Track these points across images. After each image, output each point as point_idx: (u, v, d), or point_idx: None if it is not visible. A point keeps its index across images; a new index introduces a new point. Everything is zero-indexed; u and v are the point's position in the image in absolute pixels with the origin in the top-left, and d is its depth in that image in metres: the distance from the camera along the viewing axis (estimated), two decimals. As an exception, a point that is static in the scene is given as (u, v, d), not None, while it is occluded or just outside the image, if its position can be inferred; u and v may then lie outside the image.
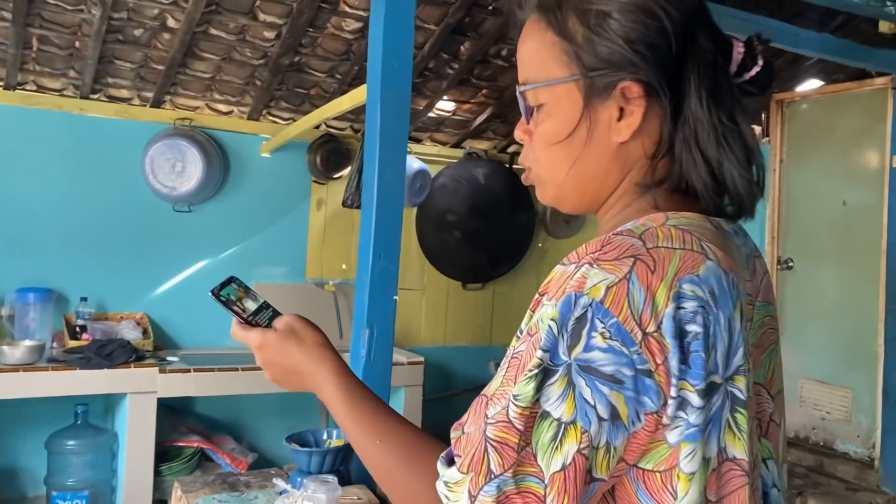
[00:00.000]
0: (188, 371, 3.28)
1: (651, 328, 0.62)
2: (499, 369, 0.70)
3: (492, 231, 4.43)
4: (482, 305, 4.58)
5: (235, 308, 0.91)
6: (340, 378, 0.85)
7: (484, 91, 3.97)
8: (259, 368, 0.90)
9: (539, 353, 0.64)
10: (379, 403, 0.83)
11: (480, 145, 4.49)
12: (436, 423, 4.24)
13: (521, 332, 0.70)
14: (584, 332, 0.62)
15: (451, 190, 4.36)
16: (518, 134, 0.82)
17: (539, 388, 0.63)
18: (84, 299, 3.48)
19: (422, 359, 3.79)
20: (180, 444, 3.42)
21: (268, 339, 0.88)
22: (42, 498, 3.24)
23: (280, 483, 2.30)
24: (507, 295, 4.64)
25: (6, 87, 3.41)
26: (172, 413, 3.46)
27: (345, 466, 2.38)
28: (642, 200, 0.76)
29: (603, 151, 0.76)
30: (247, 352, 3.53)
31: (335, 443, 2.49)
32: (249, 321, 0.91)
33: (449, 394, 4.41)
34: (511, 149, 4.57)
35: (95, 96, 3.59)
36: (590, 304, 0.63)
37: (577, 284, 0.64)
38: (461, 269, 4.45)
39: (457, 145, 4.45)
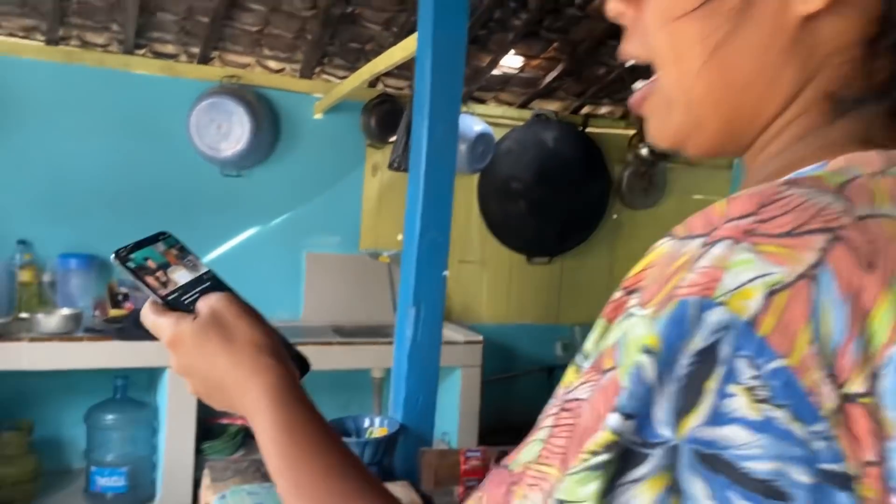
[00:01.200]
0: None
1: (858, 387, 0.31)
2: (539, 421, 0.41)
3: (561, 201, 4.08)
4: (549, 281, 4.25)
5: (149, 280, 0.64)
6: (277, 405, 0.57)
7: (555, 45, 3.59)
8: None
9: (614, 417, 0.34)
10: (330, 454, 0.55)
11: (550, 106, 4.13)
12: (496, 408, 3.98)
13: (585, 360, 0.40)
14: (714, 383, 0.32)
15: (517, 155, 4.02)
16: (614, 6, 0.48)
17: (608, 492, 0.33)
18: (128, 266, 3.32)
19: (480, 337, 3.51)
20: (224, 421, 3.24)
21: (182, 331, 0.60)
22: (84, 470, 3.12)
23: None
24: (576, 271, 4.30)
25: (48, 42, 3.25)
26: (217, 388, 3.28)
27: (388, 459, 2.13)
28: (838, 127, 0.42)
29: (770, 32, 0.42)
30: (299, 325, 3.28)
31: (378, 432, 2.24)
32: (169, 301, 0.63)
33: (511, 375, 4.13)
34: (584, 110, 4.19)
35: (140, 52, 3.39)
36: (728, 326, 0.32)
37: (705, 282, 0.33)
38: (526, 241, 4.12)
39: (524, 106, 4.09)
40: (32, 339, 2.82)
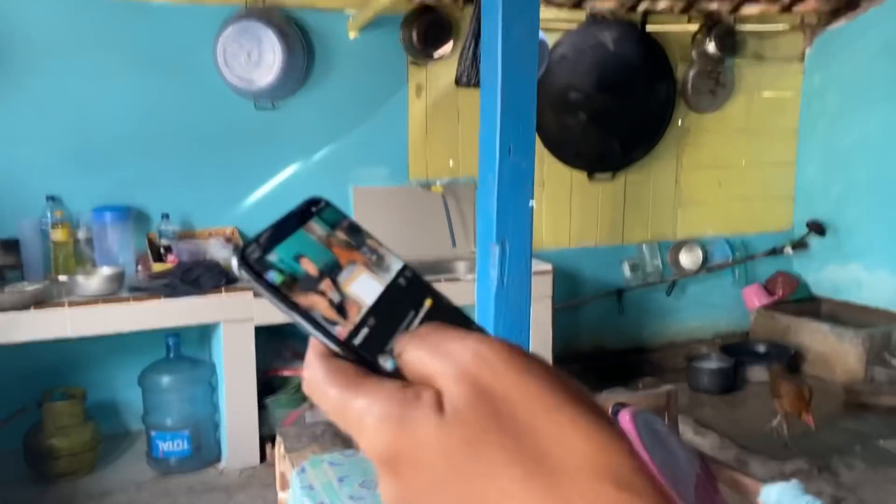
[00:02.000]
0: (285, 293, 2.86)
1: None
2: None
3: (623, 109, 3.73)
4: (612, 199, 3.93)
5: (311, 303, 0.38)
6: None
7: (613, -67, 3.19)
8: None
9: None
10: None
11: (605, 4, 3.72)
12: (563, 337, 3.76)
13: None
14: None
15: (573, 62, 3.65)
16: None
17: None
18: (166, 216, 3.08)
19: (549, 267, 3.23)
20: (285, 373, 3.05)
21: (416, 434, 0.30)
22: (144, 432, 2.96)
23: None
24: (641, 185, 3.97)
25: (53, -25, 2.93)
26: (274, 338, 3.08)
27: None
28: None
29: None
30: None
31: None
32: (357, 347, 0.37)
33: (578, 301, 3.87)
34: (641, 6, 3.78)
35: (154, -22, 3.06)
36: None
37: None
38: (587, 157, 3.79)
39: (577, 6, 3.70)
40: (73, 304, 2.61)
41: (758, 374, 3.69)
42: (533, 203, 1.89)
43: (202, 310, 2.76)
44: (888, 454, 2.99)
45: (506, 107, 1.80)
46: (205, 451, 2.89)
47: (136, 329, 2.71)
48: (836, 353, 3.75)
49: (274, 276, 0.38)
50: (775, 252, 4.23)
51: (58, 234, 2.92)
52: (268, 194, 3.32)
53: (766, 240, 4.27)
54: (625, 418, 1.75)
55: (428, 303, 0.41)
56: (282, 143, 3.30)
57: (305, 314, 0.38)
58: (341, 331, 0.37)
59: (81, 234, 2.99)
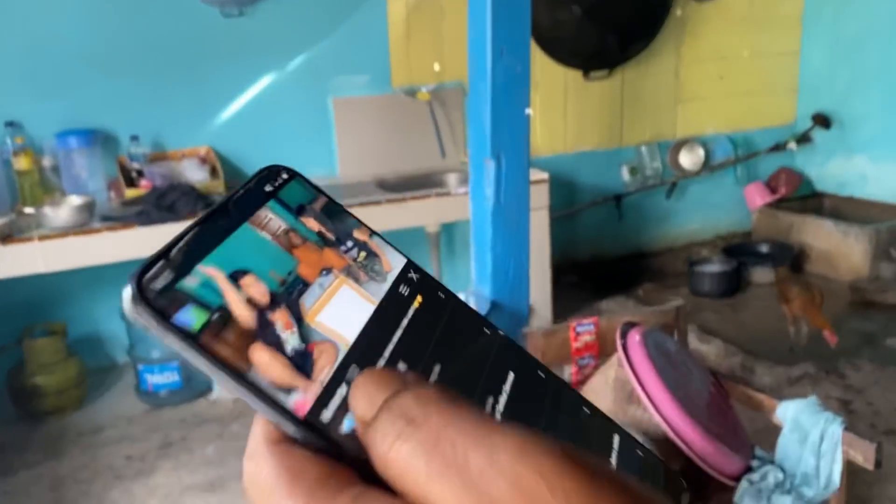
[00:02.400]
0: (268, 216, 2.70)
1: None
2: None
3: (619, 0, 3.47)
4: (609, 98, 3.73)
5: (251, 367, 0.24)
6: None
7: None
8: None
9: None
10: None
11: None
12: (560, 246, 3.62)
13: None
14: None
15: (564, -49, 3.38)
16: None
17: None
18: (135, 138, 2.88)
19: (545, 175, 3.07)
20: (273, 298, 2.93)
21: None
22: (131, 365, 2.86)
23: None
24: (638, 83, 3.76)
25: None
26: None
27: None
28: None
29: None
30: (338, 182, 2.80)
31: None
32: (329, 432, 0.24)
33: (575, 209, 3.73)
34: None
35: None
36: None
37: None
38: (582, 54, 3.56)
39: None
40: (43, 237, 2.46)
41: (761, 275, 3.59)
42: (529, 111, 1.71)
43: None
44: (895, 353, 2.93)
45: (497, 2, 1.60)
46: (195, 381, 2.80)
47: (111, 261, 2.57)
48: (840, 250, 3.65)
49: (189, 317, 0.23)
50: (778, 148, 4.06)
51: (21, 163, 2.73)
52: (242, 110, 3.11)
53: (769, 135, 4.09)
54: (634, 339, 1.64)
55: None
56: (253, 53, 3.07)
57: (242, 379, 0.23)
58: (301, 401, 0.24)
59: (46, 162, 2.80)
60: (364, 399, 0.23)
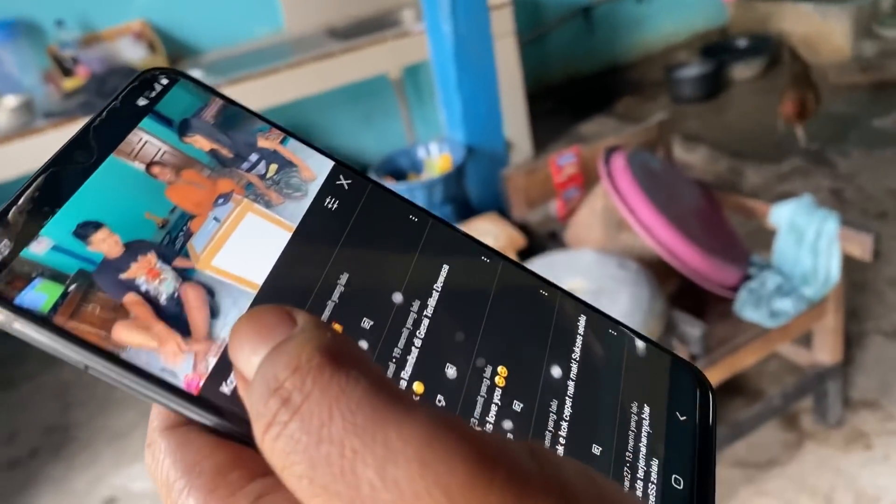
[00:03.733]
0: (218, 86, 2.54)
1: None
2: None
3: None
4: None
5: (120, 343, 0.19)
6: None
7: None
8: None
9: None
10: None
11: None
12: (534, 72, 3.45)
13: None
14: None
15: None
16: None
17: None
18: (61, 23, 2.65)
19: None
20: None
21: None
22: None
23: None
24: None
25: None
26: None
27: (460, 191, 1.71)
28: None
29: None
30: (286, 39, 2.62)
31: (438, 161, 1.79)
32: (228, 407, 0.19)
33: (543, 30, 3.53)
34: None
35: None
36: None
37: None
38: None
39: None
40: (-15, 146, 2.31)
41: (741, 72, 3.47)
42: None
43: (132, 124, 2.47)
44: (882, 134, 2.87)
45: None
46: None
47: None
48: (820, 33, 3.50)
49: (36, 296, 0.19)
50: (749, -69, 3.80)
51: (-57, 69, 2.53)
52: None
53: (739, -82, 3.81)
54: (618, 164, 1.57)
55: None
56: None
57: (116, 362, 0.19)
58: (192, 375, 0.19)
59: (-30, 63, 2.60)
60: (242, 352, 0.17)
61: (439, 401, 0.20)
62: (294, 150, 0.24)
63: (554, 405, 0.22)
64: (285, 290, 0.21)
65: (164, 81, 0.23)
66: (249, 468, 0.18)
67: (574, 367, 0.23)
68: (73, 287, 0.19)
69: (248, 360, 0.17)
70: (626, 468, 0.22)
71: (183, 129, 0.23)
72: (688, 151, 2.95)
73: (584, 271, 1.37)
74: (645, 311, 1.27)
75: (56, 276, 0.19)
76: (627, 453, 0.22)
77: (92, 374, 0.19)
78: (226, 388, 0.19)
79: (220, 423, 0.19)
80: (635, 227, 1.45)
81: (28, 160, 2.37)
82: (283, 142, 0.24)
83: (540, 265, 1.41)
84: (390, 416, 0.15)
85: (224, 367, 0.19)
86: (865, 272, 2.06)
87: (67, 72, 2.64)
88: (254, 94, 2.53)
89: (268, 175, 0.23)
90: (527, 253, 1.52)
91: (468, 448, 0.14)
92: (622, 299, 1.29)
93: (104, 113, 0.22)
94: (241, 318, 0.17)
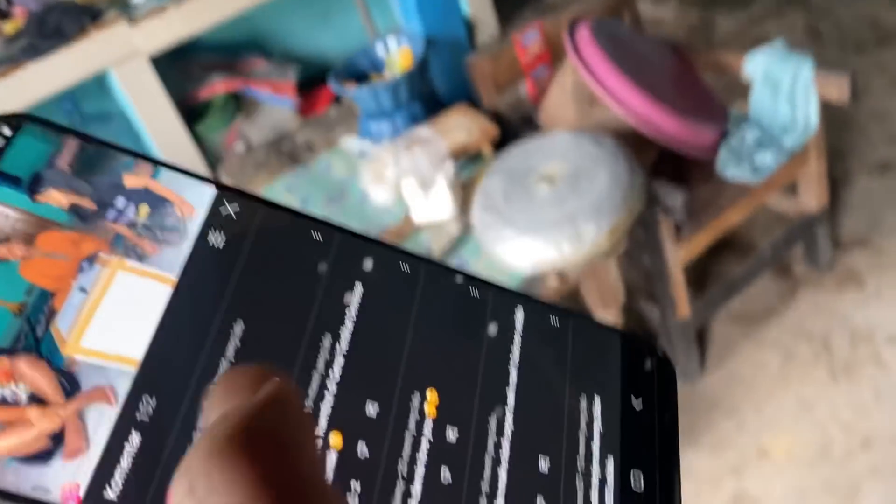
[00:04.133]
0: (164, 9, 2.42)
1: None
2: None
3: None
4: None
5: None
6: None
7: None
8: None
9: None
10: None
11: None
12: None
13: None
14: None
15: None
16: None
17: None
18: (-16, -38, 2.50)
19: None
20: (204, 95, 2.73)
21: None
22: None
23: (351, 143, 1.65)
24: None
25: None
26: (177, 61, 2.70)
27: (425, 87, 1.66)
28: None
29: None
30: None
31: (400, 56, 1.72)
32: None
33: None
34: None
35: None
36: None
37: None
38: None
39: None
40: (-65, 106, 2.23)
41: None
42: None
43: (79, 62, 2.37)
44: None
45: None
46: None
47: (23, 107, 2.35)
48: None
49: None
50: None
51: None
52: None
53: None
54: (583, 36, 1.51)
55: None
56: None
57: None
58: (68, 485, 0.17)
59: None
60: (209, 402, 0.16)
61: (360, 452, 0.19)
62: (168, 182, 0.21)
63: (493, 423, 0.20)
64: (168, 360, 0.18)
65: (6, 132, 0.20)
66: None
67: (513, 374, 0.21)
68: None
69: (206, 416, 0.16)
70: (577, 477, 0.20)
71: (33, 186, 0.19)
72: (657, 6, 2.85)
73: (560, 154, 1.34)
74: (625, 187, 1.26)
75: None
76: (578, 459, 0.21)
77: None
78: (111, 494, 0.17)
79: None
80: (605, 100, 1.41)
81: (-18, 115, 2.29)
82: (153, 175, 0.21)
83: (516, 154, 1.38)
84: None
85: (108, 469, 0.17)
86: (846, 109, 2.03)
87: (4, 14, 2.51)
88: (205, 8, 2.42)
89: (139, 220, 0.20)
90: (501, 143, 1.49)
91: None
92: (601, 178, 1.27)
93: None
94: (226, 372, 0.17)
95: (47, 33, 2.33)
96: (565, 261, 1.24)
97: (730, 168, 1.44)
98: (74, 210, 0.19)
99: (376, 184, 1.43)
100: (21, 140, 0.19)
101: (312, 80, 2.51)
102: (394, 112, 1.56)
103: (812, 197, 1.57)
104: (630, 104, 1.41)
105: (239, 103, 2.73)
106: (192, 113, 2.69)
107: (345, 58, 1.66)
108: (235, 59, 2.87)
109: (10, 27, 2.48)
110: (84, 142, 0.20)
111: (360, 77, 1.64)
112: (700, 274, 1.70)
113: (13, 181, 0.19)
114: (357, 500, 0.18)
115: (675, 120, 1.41)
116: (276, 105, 2.61)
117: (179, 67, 2.69)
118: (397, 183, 1.39)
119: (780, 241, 1.59)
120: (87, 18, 2.36)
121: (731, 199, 1.42)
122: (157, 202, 0.20)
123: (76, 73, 2.38)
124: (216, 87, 2.69)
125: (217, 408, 0.16)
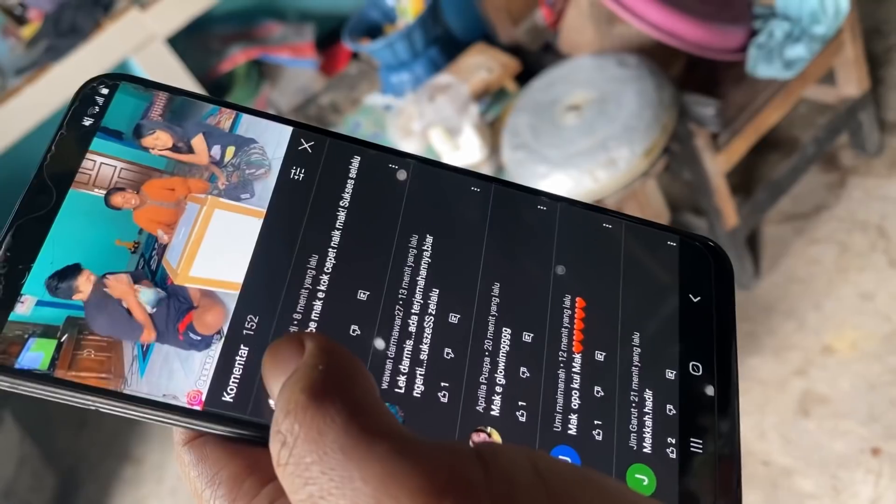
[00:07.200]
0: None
1: None
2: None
3: None
4: None
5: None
6: None
7: None
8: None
9: None
10: None
11: None
12: None
13: None
14: None
15: None
16: None
17: None
18: (-7, -30, 2.53)
19: None
20: (225, 68, 2.74)
21: None
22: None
23: (375, 99, 1.65)
24: None
25: None
26: (193, 37, 2.71)
27: (440, 28, 1.63)
28: None
29: None
30: None
31: (408, 4, 1.70)
32: (236, 415, 0.20)
33: None
34: None
35: None
36: None
37: None
38: None
39: None
40: (-26, 121, 2.29)
41: None
42: None
43: (99, 55, 2.40)
44: None
45: None
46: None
47: (47, 115, 2.40)
48: None
49: (34, 356, 0.19)
50: None
51: None
52: None
53: None
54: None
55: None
56: None
57: (121, 399, 0.19)
58: (193, 391, 0.20)
59: (-75, 41, 2.52)
60: (268, 387, 0.19)
61: (447, 354, 0.20)
62: (250, 123, 0.23)
63: (564, 337, 0.22)
64: (267, 284, 0.20)
65: (105, 91, 0.22)
66: (262, 472, 0.20)
67: (577, 275, 0.22)
68: (65, 337, 0.19)
69: (273, 393, 0.18)
70: (636, 371, 0.21)
71: (134, 138, 0.22)
72: None
73: (584, 81, 1.32)
74: (654, 104, 1.23)
75: (47, 331, 0.19)
76: (636, 354, 0.21)
77: (102, 411, 0.20)
78: (227, 397, 0.20)
79: (229, 431, 0.20)
80: (623, 16, 1.37)
81: (14, 126, 2.35)
82: (235, 119, 0.23)
83: (538, 87, 1.36)
84: (356, 455, 0.16)
85: (222, 378, 0.20)
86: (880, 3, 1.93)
87: (21, 20, 2.54)
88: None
89: (226, 160, 0.22)
90: (524, 76, 1.47)
91: (418, 482, 0.15)
92: (628, 99, 1.25)
93: (53, 147, 0.21)
94: (266, 352, 0.18)
95: (64, 32, 2.35)
96: (603, 189, 1.24)
97: (761, 67, 1.39)
98: (172, 153, 0.22)
99: (405, 137, 1.43)
100: (119, 98, 0.22)
101: (330, 36, 2.49)
102: (412, 61, 1.55)
103: (852, 82, 1.51)
104: (649, 17, 1.36)
105: (262, 71, 2.74)
106: (217, 87, 2.71)
107: (358, 9, 1.64)
108: (250, 26, 2.87)
109: (27, 31, 2.51)
110: (173, 94, 0.22)
111: (374, 30, 1.63)
112: (744, 178, 1.67)
113: (116, 135, 0.22)
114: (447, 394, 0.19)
115: (698, 26, 1.36)
116: (299, 67, 2.61)
117: (197, 45, 2.70)
118: (425, 134, 1.39)
119: (824, 133, 1.54)
120: (100, 11, 2.37)
121: (766, 99, 1.38)
122: (242, 142, 0.22)
123: (98, 66, 2.41)
124: (237, 57, 2.69)
125: (276, 382, 0.18)
